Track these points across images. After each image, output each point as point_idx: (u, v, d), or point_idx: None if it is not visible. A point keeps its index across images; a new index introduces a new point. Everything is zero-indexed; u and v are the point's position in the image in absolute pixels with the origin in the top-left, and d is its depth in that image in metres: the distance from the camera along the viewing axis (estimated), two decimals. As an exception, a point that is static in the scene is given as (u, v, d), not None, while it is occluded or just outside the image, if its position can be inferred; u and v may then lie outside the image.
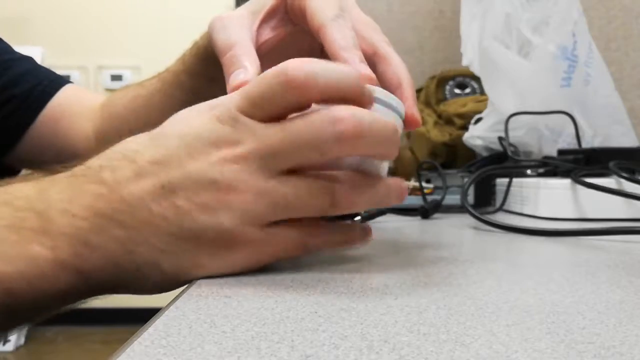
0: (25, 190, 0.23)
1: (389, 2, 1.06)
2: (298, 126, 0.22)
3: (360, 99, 0.23)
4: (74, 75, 2.38)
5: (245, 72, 0.28)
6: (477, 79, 0.88)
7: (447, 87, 0.92)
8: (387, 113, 0.25)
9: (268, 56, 0.30)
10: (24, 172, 0.50)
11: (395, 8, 1.06)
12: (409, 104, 0.28)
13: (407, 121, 0.28)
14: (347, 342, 0.14)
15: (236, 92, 0.24)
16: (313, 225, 0.24)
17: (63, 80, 0.52)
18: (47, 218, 0.22)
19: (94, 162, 0.24)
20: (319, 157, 0.22)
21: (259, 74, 0.27)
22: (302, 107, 0.23)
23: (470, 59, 0.69)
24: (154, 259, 0.22)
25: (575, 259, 0.27)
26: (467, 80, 0.92)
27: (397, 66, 0.29)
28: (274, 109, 0.23)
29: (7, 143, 0.48)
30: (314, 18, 0.28)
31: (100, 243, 0.22)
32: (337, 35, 0.27)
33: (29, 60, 0.52)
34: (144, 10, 2.38)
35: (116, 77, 2.40)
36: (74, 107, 0.50)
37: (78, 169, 0.23)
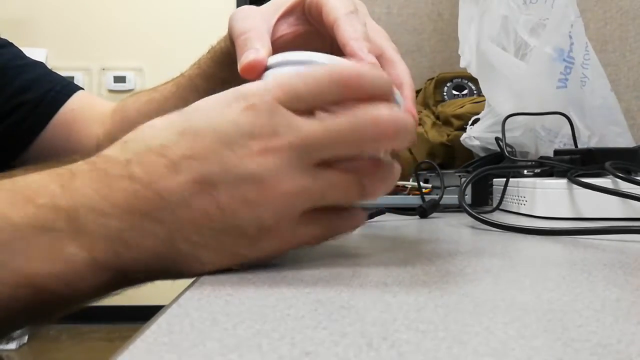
0: (45, 185, 0.22)
1: (388, 4, 1.07)
2: (341, 123, 0.23)
3: (388, 99, 0.25)
4: (78, 77, 2.37)
5: (256, 52, 0.28)
6: (474, 81, 0.88)
7: (445, 89, 0.92)
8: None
9: (280, 51, 0.31)
10: None
11: (394, 10, 1.07)
12: (407, 103, 0.29)
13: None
14: (347, 339, 0.15)
15: (273, 82, 0.23)
16: (333, 216, 0.25)
17: (75, 86, 0.53)
18: (76, 218, 0.21)
19: (118, 155, 0.23)
20: (357, 153, 0.23)
21: (269, 56, 0.28)
22: (342, 103, 0.23)
23: (467, 61, 0.70)
24: (194, 253, 0.22)
25: (572, 258, 0.28)
26: (464, 82, 0.92)
27: (401, 70, 0.31)
28: (317, 103, 0.23)
29: (19, 147, 0.48)
30: (329, 13, 0.30)
31: (137, 241, 0.22)
32: (348, 27, 0.29)
33: (41, 65, 0.53)
34: (147, 12, 2.38)
35: (119, 79, 2.40)
36: (86, 112, 0.51)
37: (100, 162, 0.23)
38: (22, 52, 0.52)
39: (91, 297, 0.23)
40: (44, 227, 0.21)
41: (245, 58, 0.28)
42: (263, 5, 0.34)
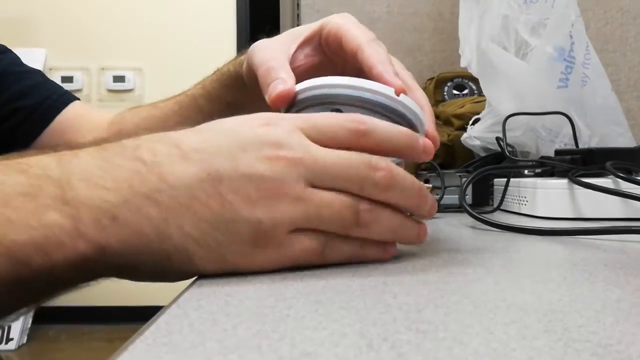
0: (42, 160, 0.22)
1: (388, 3, 1.07)
2: (351, 157, 0.24)
3: (413, 155, 0.27)
4: (77, 77, 2.37)
5: (284, 82, 0.30)
6: (475, 80, 0.88)
7: (446, 89, 0.92)
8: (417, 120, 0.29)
9: (297, 82, 0.32)
10: None
11: (394, 9, 1.07)
12: (429, 126, 0.31)
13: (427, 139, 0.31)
14: (347, 340, 0.14)
15: (297, 116, 0.25)
16: (333, 237, 0.24)
17: (72, 96, 0.53)
18: (67, 187, 0.21)
19: (127, 141, 0.23)
20: (358, 192, 0.24)
21: (294, 85, 0.30)
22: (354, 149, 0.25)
23: (468, 61, 0.70)
24: (186, 247, 0.22)
25: (573, 258, 0.28)
26: (465, 82, 0.92)
27: (419, 97, 0.33)
28: (333, 143, 0.24)
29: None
30: (352, 40, 0.32)
31: (129, 220, 0.21)
32: (373, 52, 0.31)
33: (39, 73, 0.53)
34: (146, 12, 2.38)
35: (118, 79, 2.39)
36: (82, 122, 0.51)
37: (107, 145, 0.23)
38: (20, 59, 0.53)
39: (70, 276, 0.22)
40: (30, 194, 0.21)
41: (274, 89, 0.29)
42: (279, 36, 0.35)
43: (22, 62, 0.53)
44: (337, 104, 0.28)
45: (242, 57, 0.39)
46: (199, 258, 0.22)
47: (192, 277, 0.23)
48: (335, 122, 0.25)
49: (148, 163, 0.22)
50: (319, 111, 0.29)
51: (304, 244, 0.24)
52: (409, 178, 0.25)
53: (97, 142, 0.24)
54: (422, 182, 0.26)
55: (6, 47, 0.53)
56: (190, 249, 0.22)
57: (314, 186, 0.23)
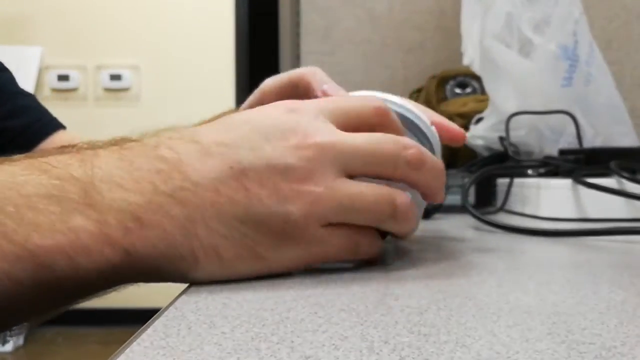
0: (64, 160, 0.21)
1: (390, 1, 1.06)
2: (380, 138, 0.23)
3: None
4: (73, 75, 2.37)
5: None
6: (478, 79, 0.88)
7: (448, 87, 0.92)
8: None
9: None
10: None
11: (396, 7, 1.06)
12: (444, 122, 0.31)
13: (453, 136, 0.32)
14: (347, 343, 0.14)
15: (319, 101, 0.25)
16: (365, 230, 0.24)
17: (60, 124, 0.54)
18: (92, 189, 0.20)
19: (146, 140, 0.22)
20: (391, 173, 0.23)
21: None
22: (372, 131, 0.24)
23: (471, 59, 0.69)
24: (213, 244, 0.21)
25: (577, 260, 0.27)
26: (467, 80, 0.92)
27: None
28: (359, 124, 0.24)
29: None
30: (318, 85, 0.33)
31: (154, 221, 0.20)
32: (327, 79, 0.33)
33: (33, 98, 0.55)
34: (143, 9, 2.38)
35: (115, 77, 2.40)
36: None
37: (126, 144, 0.22)
38: (15, 79, 0.54)
39: (97, 281, 0.21)
40: (54, 196, 0.20)
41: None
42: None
43: (17, 83, 0.54)
44: None
45: None
46: (228, 255, 0.21)
47: (221, 278, 0.22)
48: (358, 103, 0.25)
49: (169, 161, 0.21)
50: None
51: (338, 240, 0.23)
52: (433, 157, 0.25)
53: (116, 141, 0.23)
54: (442, 165, 0.26)
55: (4, 66, 0.54)
56: (219, 246, 0.21)
57: (346, 173, 0.22)
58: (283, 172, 0.21)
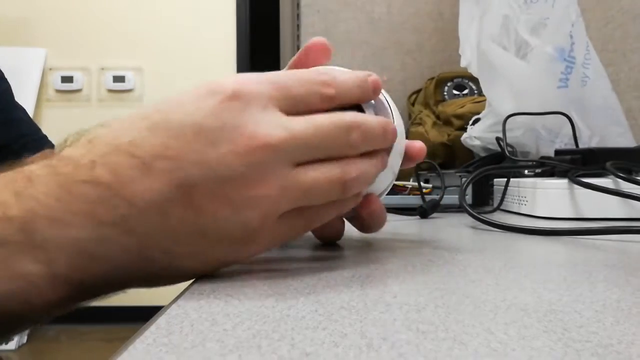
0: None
1: (388, 3, 1.07)
2: (325, 125, 0.22)
3: (365, 97, 0.25)
4: (77, 77, 2.37)
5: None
6: (475, 80, 0.88)
7: (446, 88, 0.92)
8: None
9: None
10: None
11: (394, 9, 1.07)
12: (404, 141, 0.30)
13: (414, 153, 0.30)
14: (347, 340, 0.14)
15: (266, 80, 0.22)
16: (314, 209, 0.24)
17: (49, 142, 0.54)
18: (32, 229, 0.19)
19: (81, 156, 0.20)
20: (347, 151, 0.23)
21: None
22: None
23: (468, 60, 0.70)
24: (171, 263, 0.21)
25: (573, 258, 0.28)
26: (465, 82, 0.92)
27: None
28: (307, 110, 0.23)
29: None
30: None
31: (104, 253, 0.19)
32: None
33: (24, 111, 0.55)
34: (146, 11, 2.38)
35: (119, 79, 2.39)
36: None
37: (61, 165, 0.20)
38: (12, 91, 0.54)
39: (54, 310, 0.21)
40: None
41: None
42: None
43: (13, 95, 0.54)
44: None
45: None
46: (188, 268, 0.21)
47: (190, 279, 0.23)
48: (307, 89, 0.23)
49: (109, 185, 0.19)
50: None
51: (294, 224, 0.23)
52: (374, 123, 0.24)
53: (47, 156, 0.21)
54: (385, 119, 0.25)
55: (3, 75, 0.54)
56: (179, 264, 0.21)
57: (297, 163, 0.22)
58: (233, 181, 0.20)
